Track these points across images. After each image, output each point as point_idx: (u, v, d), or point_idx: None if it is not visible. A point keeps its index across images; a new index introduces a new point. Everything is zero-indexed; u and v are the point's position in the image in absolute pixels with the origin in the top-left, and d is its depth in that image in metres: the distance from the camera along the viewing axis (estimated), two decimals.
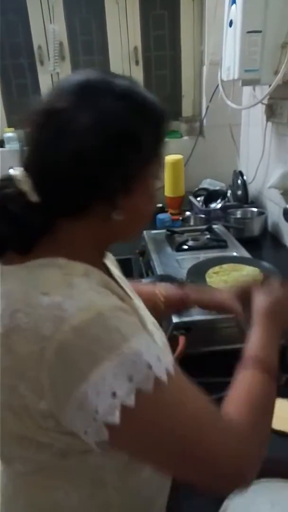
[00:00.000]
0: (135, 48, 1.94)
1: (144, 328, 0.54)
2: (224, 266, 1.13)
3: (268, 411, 0.57)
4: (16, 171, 0.50)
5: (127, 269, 1.04)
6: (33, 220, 0.50)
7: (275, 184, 1.45)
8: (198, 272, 1.09)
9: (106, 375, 0.42)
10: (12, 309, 0.45)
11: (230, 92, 1.52)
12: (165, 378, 0.45)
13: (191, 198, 1.86)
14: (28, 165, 0.50)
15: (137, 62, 1.97)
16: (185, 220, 1.73)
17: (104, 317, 0.44)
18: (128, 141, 0.49)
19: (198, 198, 1.84)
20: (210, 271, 1.11)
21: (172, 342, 0.87)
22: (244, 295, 0.76)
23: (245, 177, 1.75)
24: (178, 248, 1.32)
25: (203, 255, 1.25)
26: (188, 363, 0.86)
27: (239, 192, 1.77)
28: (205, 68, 1.90)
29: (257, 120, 1.69)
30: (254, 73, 1.26)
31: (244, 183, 1.74)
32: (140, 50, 1.95)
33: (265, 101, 1.48)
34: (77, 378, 0.42)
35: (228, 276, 1.09)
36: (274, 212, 1.63)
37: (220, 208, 1.73)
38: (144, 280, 1.05)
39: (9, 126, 1.97)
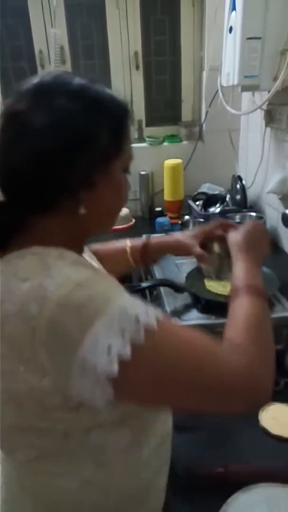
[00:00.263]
0: (136, 53, 1.95)
1: None
2: None
3: (266, 327, 0.59)
4: None
5: (126, 274, 1.04)
6: (2, 219, 0.53)
7: (274, 189, 1.46)
8: (197, 277, 1.09)
9: (99, 336, 0.44)
10: None
11: (229, 98, 1.53)
12: (154, 326, 0.47)
13: (190, 202, 1.87)
14: None
15: (137, 67, 1.98)
16: (184, 224, 1.74)
17: (84, 286, 0.46)
18: (84, 139, 0.51)
19: (197, 202, 1.85)
20: None
21: None
22: (205, 238, 0.83)
23: (244, 182, 1.75)
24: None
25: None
26: None
27: (238, 197, 1.77)
28: (204, 74, 1.91)
29: (256, 125, 1.70)
30: (254, 79, 1.26)
31: (243, 187, 1.74)
32: (140, 55, 1.96)
33: (264, 107, 1.49)
34: (72, 346, 0.44)
35: (227, 281, 1.09)
36: (272, 217, 1.64)
37: (219, 212, 1.73)
38: (143, 284, 1.05)
39: None
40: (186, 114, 2.10)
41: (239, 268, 0.68)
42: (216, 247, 0.83)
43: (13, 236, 0.54)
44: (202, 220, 1.71)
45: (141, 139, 2.07)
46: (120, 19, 1.89)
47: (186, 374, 0.49)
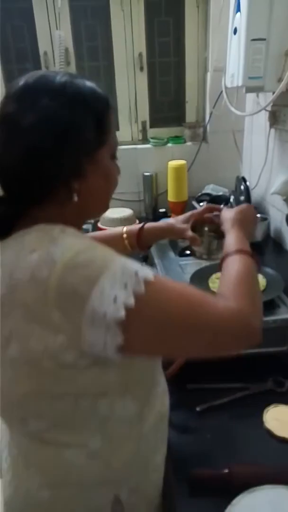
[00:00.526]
0: (140, 54, 1.95)
1: None
2: None
3: (253, 279, 0.67)
4: None
5: None
6: (3, 211, 0.58)
7: (278, 190, 1.46)
8: (201, 278, 1.09)
9: (105, 289, 0.50)
10: (9, 272, 0.53)
11: (233, 99, 1.53)
12: (152, 278, 0.54)
13: (194, 203, 1.87)
14: None
15: (141, 68, 1.98)
16: None
17: (87, 251, 0.53)
18: (69, 133, 0.56)
19: (201, 203, 1.85)
20: (213, 276, 1.11)
21: None
22: (196, 222, 0.92)
23: (248, 183, 1.75)
24: (181, 253, 1.33)
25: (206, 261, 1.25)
26: (190, 369, 0.87)
27: (242, 198, 1.77)
28: (209, 75, 1.91)
29: (260, 126, 1.70)
30: (258, 80, 1.26)
31: (247, 188, 1.74)
32: (144, 56, 1.96)
33: (269, 108, 1.49)
34: (81, 301, 0.50)
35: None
36: (276, 218, 1.64)
37: None
38: None
39: None
40: (190, 115, 2.10)
41: (231, 237, 0.76)
42: (206, 230, 0.92)
43: (15, 225, 0.59)
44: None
45: (145, 140, 2.07)
46: (124, 21, 1.89)
47: (183, 317, 0.55)
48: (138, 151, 2.00)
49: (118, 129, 2.05)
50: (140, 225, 0.93)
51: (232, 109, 1.52)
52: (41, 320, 0.51)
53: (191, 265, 1.23)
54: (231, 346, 0.60)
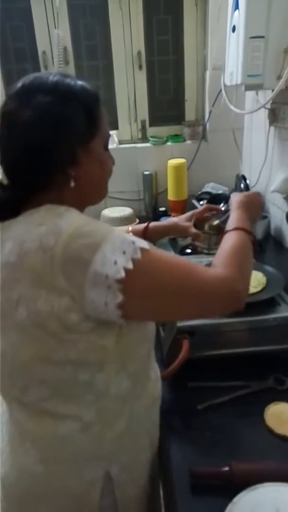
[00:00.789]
0: (139, 53, 1.95)
1: None
2: None
3: (246, 252, 0.74)
4: None
5: None
6: (8, 197, 0.65)
7: (278, 188, 1.46)
8: None
9: (106, 254, 0.56)
10: (19, 242, 0.59)
11: (233, 97, 1.53)
12: (147, 247, 0.60)
13: (194, 201, 1.87)
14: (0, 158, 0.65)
15: (140, 67, 1.98)
16: None
17: (90, 223, 0.59)
18: (62, 124, 0.62)
19: (201, 202, 1.85)
20: None
21: (176, 346, 0.87)
22: (197, 220, 1.01)
23: (248, 181, 1.75)
24: (181, 252, 1.33)
25: (206, 259, 1.25)
26: (191, 367, 0.87)
27: None
28: (208, 73, 1.91)
29: (260, 124, 1.70)
30: (257, 78, 1.26)
31: (247, 187, 1.74)
32: (143, 55, 1.96)
33: (268, 106, 1.48)
34: (85, 265, 0.56)
35: None
36: (277, 216, 1.64)
37: (223, 211, 1.73)
38: None
39: None
40: (189, 113, 2.09)
41: (233, 217, 0.83)
42: (206, 227, 1.02)
43: (22, 209, 0.65)
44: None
45: (144, 139, 2.07)
46: (123, 19, 1.89)
47: (176, 281, 0.62)
48: (137, 150, 2.00)
49: (117, 128, 2.05)
50: (145, 224, 1.00)
51: (232, 107, 1.52)
52: (47, 284, 0.57)
53: None
54: (217, 308, 0.68)
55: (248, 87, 1.37)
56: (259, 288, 1.00)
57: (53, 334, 0.59)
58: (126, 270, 0.56)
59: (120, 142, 2.04)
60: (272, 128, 1.59)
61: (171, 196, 1.91)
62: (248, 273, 0.71)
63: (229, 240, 0.75)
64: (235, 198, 0.90)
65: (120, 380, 0.67)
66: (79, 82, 0.65)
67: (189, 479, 0.68)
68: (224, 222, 0.87)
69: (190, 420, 0.83)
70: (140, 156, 2.00)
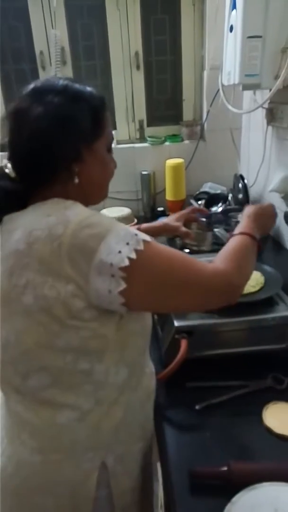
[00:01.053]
0: (136, 53, 1.95)
1: None
2: None
3: (248, 252, 0.77)
4: (5, 160, 0.71)
5: None
6: (17, 189, 0.68)
7: (276, 187, 1.46)
8: None
9: (111, 244, 0.60)
10: (28, 231, 0.62)
11: (230, 97, 1.53)
12: (149, 239, 0.64)
13: (192, 201, 1.86)
14: (9, 153, 0.69)
15: (138, 67, 1.98)
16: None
17: (96, 215, 0.63)
18: (69, 122, 0.66)
19: (199, 202, 1.85)
20: None
21: (174, 345, 0.87)
22: (186, 220, 1.12)
23: (246, 181, 1.75)
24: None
25: (205, 259, 1.25)
26: (190, 366, 0.87)
27: (240, 196, 1.77)
28: (205, 73, 1.91)
29: (257, 124, 1.70)
30: (255, 78, 1.26)
31: (245, 186, 1.74)
32: (141, 55, 1.96)
33: (266, 106, 1.48)
34: (90, 254, 0.59)
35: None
36: None
37: (221, 211, 1.73)
38: None
39: None
40: (187, 113, 2.10)
41: (241, 224, 0.86)
42: (193, 226, 1.17)
43: (28, 201, 0.69)
44: (204, 219, 1.71)
45: (142, 139, 2.07)
46: (120, 19, 1.89)
47: (176, 273, 0.65)
48: (135, 150, 2.00)
49: (115, 128, 2.05)
50: (137, 226, 1.05)
51: (229, 107, 1.52)
52: (54, 272, 0.60)
53: None
54: (214, 301, 0.71)
55: (246, 87, 1.37)
56: (257, 288, 1.00)
57: (58, 319, 0.62)
58: (130, 259, 0.60)
59: (118, 142, 2.03)
60: (270, 127, 1.59)
61: (169, 196, 1.91)
62: (246, 271, 0.74)
63: (232, 242, 0.79)
64: (248, 208, 0.94)
65: (117, 369, 0.70)
66: (88, 88, 0.70)
67: (188, 479, 0.68)
68: (209, 220, 0.99)
69: (189, 420, 0.83)
70: (138, 156, 2.00)
